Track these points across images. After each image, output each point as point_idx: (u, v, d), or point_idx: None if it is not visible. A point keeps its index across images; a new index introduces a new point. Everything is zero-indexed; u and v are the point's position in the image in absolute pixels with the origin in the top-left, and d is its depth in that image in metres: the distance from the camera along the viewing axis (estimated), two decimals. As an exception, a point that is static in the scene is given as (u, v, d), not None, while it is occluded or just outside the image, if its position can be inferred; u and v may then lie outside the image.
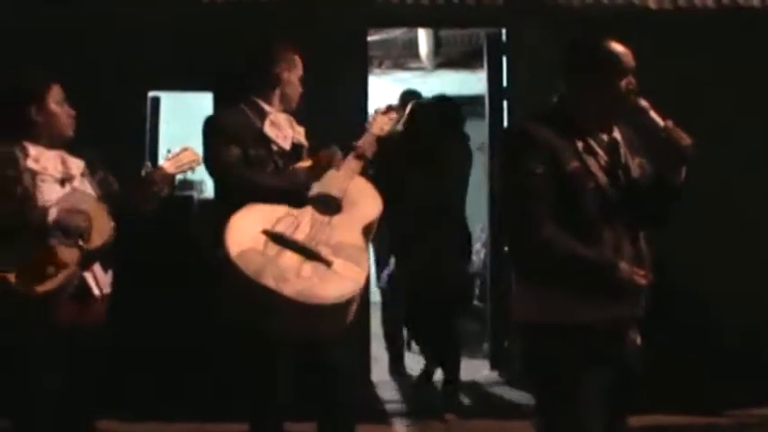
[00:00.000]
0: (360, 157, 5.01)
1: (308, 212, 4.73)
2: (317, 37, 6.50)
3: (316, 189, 4.86)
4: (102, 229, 4.62)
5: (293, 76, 5.22)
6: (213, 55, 6.72)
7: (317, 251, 4.54)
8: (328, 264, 4.52)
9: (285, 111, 5.19)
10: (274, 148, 5.06)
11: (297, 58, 5.24)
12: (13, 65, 5.87)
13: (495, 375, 7.88)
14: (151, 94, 7.26)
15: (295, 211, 4.72)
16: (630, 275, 3.59)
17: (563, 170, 3.62)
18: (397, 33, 10.53)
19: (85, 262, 4.58)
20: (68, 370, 4.65)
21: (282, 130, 5.12)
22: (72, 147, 4.83)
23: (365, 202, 4.88)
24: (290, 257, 4.50)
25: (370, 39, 7.92)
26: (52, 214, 4.53)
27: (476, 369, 7.99)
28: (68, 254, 4.52)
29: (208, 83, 6.91)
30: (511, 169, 3.69)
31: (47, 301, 4.48)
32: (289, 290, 4.35)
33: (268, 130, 5.06)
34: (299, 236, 4.60)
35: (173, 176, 4.95)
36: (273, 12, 6.80)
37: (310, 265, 4.49)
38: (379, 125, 5.24)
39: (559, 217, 3.59)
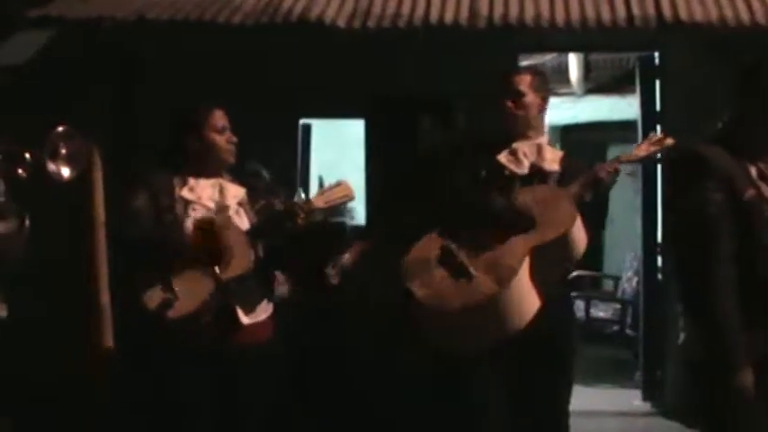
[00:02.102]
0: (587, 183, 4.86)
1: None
2: (469, 65, 6.49)
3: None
4: (241, 260, 4.63)
5: None
6: (365, 82, 6.74)
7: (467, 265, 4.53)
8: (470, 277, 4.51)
9: None
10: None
11: None
12: (171, 94, 6.01)
13: (647, 406, 7.72)
14: (303, 121, 7.33)
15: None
16: None
17: (739, 198, 3.47)
18: (547, 59, 10.44)
19: (223, 291, 4.60)
20: (223, 395, 4.70)
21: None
22: (236, 174, 4.89)
23: (549, 225, 4.75)
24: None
25: (520, 65, 7.88)
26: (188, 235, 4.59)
27: (627, 399, 7.85)
28: (204, 282, 4.56)
29: (359, 110, 6.94)
30: (684, 196, 3.53)
31: (183, 326, 4.54)
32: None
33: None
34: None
35: (321, 210, 4.93)
36: (421, 40, 6.81)
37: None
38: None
39: (736, 248, 3.44)
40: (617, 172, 4.70)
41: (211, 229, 4.53)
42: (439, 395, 5.78)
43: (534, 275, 4.47)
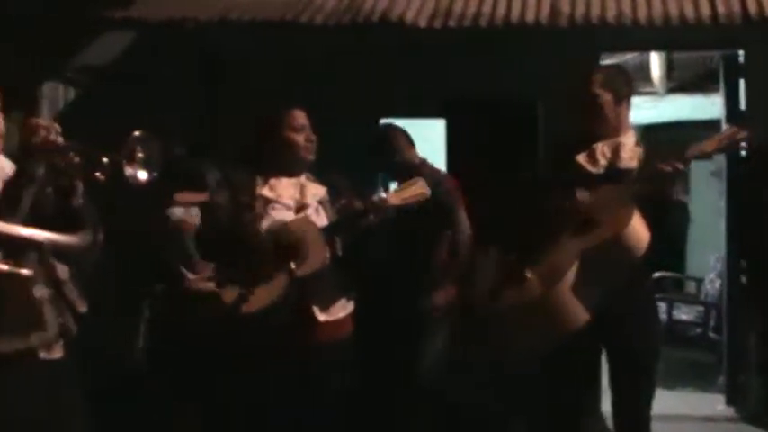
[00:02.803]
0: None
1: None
2: (550, 65, 6.45)
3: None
4: (316, 257, 4.65)
5: None
6: (445, 82, 6.73)
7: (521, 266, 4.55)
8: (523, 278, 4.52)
9: None
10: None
11: None
12: (250, 94, 6.05)
13: (730, 411, 7.62)
14: (382, 121, 7.32)
15: None
16: None
17: None
18: (629, 57, 10.35)
19: (297, 287, 4.62)
20: (298, 393, 4.71)
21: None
22: (317, 173, 4.91)
23: (604, 226, 4.72)
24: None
25: (602, 63, 7.81)
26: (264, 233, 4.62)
27: (710, 403, 7.75)
28: (280, 278, 4.59)
29: (439, 109, 6.93)
30: None
31: (258, 321, 4.56)
32: None
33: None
34: None
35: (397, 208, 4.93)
36: (503, 39, 6.78)
37: None
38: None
39: None
40: (682, 167, 4.62)
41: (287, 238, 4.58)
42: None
43: (589, 276, 4.45)
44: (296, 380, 4.68)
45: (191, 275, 5.48)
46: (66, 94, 7.04)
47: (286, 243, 4.55)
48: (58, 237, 3.55)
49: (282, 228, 4.61)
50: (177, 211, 5.43)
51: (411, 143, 6.23)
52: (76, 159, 3.60)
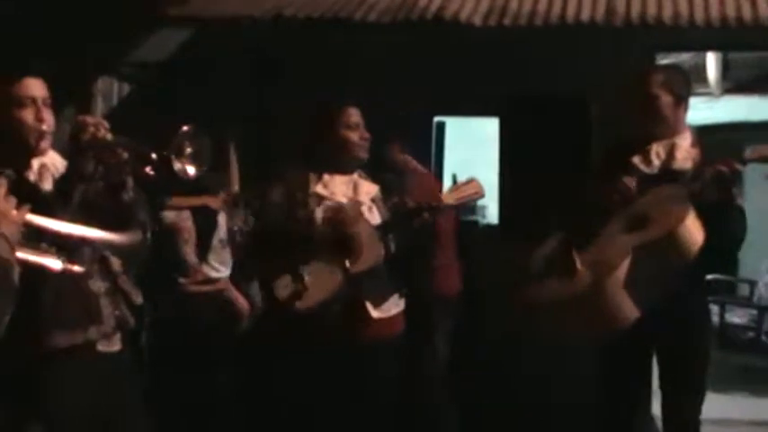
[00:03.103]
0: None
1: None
2: (605, 64, 6.41)
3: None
4: (371, 254, 4.67)
5: None
6: (500, 80, 6.71)
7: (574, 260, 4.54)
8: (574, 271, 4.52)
9: None
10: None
11: None
12: (302, 91, 6.06)
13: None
14: (437, 118, 7.32)
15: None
16: None
17: None
18: (685, 57, 10.28)
19: (351, 284, 4.64)
20: (351, 388, 4.73)
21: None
22: (368, 171, 4.92)
23: (656, 224, 4.69)
24: None
25: (657, 63, 7.76)
26: (317, 217, 4.64)
27: (762, 408, 7.66)
28: (334, 275, 4.61)
29: (493, 108, 6.91)
30: None
31: (312, 318, 4.58)
32: None
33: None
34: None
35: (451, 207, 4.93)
36: (558, 38, 6.75)
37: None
38: None
39: None
40: (739, 169, 4.57)
41: (339, 218, 4.58)
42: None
43: (641, 273, 4.43)
44: (348, 376, 4.71)
45: (183, 279, 5.50)
46: (120, 89, 7.09)
47: (341, 239, 4.57)
48: (108, 235, 3.57)
49: (337, 209, 4.63)
50: (169, 215, 5.45)
51: (395, 140, 6.23)
52: (125, 155, 3.63)
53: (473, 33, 6.12)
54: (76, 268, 3.41)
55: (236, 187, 5.81)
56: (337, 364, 4.66)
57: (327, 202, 4.72)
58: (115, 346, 3.85)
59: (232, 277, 5.71)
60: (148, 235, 3.72)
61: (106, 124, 3.63)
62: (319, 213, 4.66)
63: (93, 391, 3.73)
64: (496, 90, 6.77)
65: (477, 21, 5.93)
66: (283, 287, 4.59)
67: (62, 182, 3.66)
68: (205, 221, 5.54)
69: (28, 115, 3.67)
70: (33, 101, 3.71)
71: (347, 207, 4.65)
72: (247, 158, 5.97)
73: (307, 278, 4.57)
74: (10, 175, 3.56)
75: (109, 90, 7.04)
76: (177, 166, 3.50)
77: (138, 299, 3.86)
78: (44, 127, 3.71)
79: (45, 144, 3.74)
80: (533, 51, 6.62)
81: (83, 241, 3.46)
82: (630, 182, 4.54)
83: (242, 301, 5.79)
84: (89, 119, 3.67)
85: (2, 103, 3.72)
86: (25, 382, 3.57)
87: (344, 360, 4.67)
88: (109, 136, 3.61)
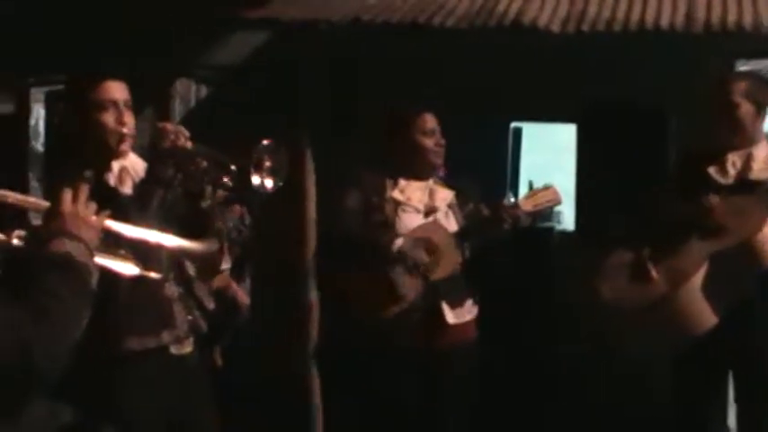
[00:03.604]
0: None
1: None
2: (685, 71, 6.33)
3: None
4: (450, 262, 4.67)
5: None
6: (577, 87, 6.66)
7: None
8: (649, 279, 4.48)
9: None
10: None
11: None
12: (379, 97, 6.06)
13: None
14: (513, 124, 7.29)
15: None
16: None
17: None
18: (765, 64, 10.12)
19: (431, 291, 4.64)
20: (427, 395, 4.74)
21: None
22: (446, 178, 4.92)
23: (733, 233, 4.63)
24: None
25: (737, 71, 7.64)
26: (397, 244, 4.64)
27: None
28: (411, 283, 4.62)
29: (570, 114, 6.86)
30: None
31: (393, 325, 4.59)
32: None
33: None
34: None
35: (530, 214, 4.91)
36: (637, 44, 6.67)
37: None
38: None
39: None
40: None
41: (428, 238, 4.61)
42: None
43: (717, 282, 4.38)
44: (424, 382, 4.72)
45: None
46: (198, 91, 7.14)
47: (417, 250, 4.59)
48: (185, 243, 3.60)
49: (417, 232, 4.65)
50: None
51: None
52: (204, 164, 3.65)
53: (551, 39, 6.07)
54: (153, 275, 3.45)
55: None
56: (414, 370, 4.68)
57: (406, 213, 4.74)
58: (187, 348, 3.88)
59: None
60: (225, 244, 3.75)
61: (186, 133, 3.66)
62: (399, 241, 4.69)
63: (166, 393, 3.77)
64: (573, 96, 6.72)
65: (556, 27, 5.87)
66: (363, 295, 4.61)
67: (141, 187, 3.69)
68: None
69: (109, 118, 3.72)
70: (114, 104, 3.75)
71: (434, 239, 4.67)
72: (323, 163, 5.99)
73: (388, 286, 4.60)
74: (89, 177, 3.60)
75: (187, 92, 7.09)
76: (256, 179, 3.52)
77: (211, 305, 3.89)
78: (124, 130, 3.76)
79: (125, 147, 3.79)
80: (611, 58, 6.55)
81: (160, 248, 3.48)
82: (713, 199, 4.49)
83: (242, 295, 5.85)
84: (169, 126, 3.71)
85: (84, 106, 3.77)
86: (99, 385, 3.60)
87: (421, 366, 4.68)
88: (189, 144, 3.64)
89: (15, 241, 3.01)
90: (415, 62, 6.64)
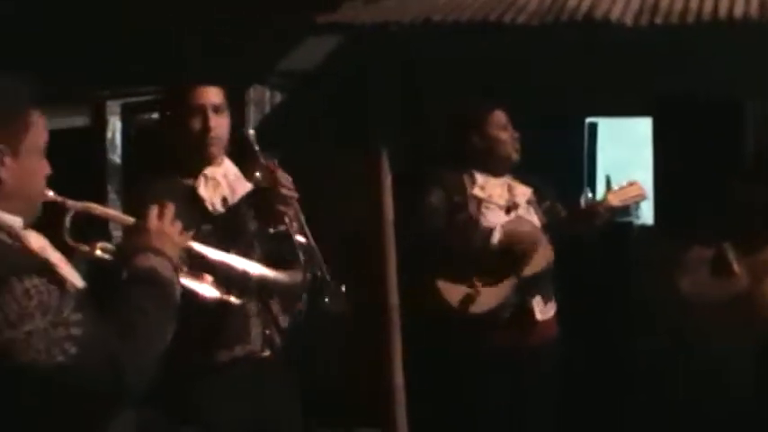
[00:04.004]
0: None
1: None
2: (759, 62, 6.25)
3: None
4: (541, 257, 4.68)
5: None
6: (652, 80, 6.60)
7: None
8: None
9: None
10: None
11: None
12: (450, 96, 6.05)
13: None
14: (589, 120, 7.24)
15: None
16: None
17: None
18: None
19: (523, 287, 4.64)
20: (514, 392, 4.73)
21: None
22: (519, 174, 4.91)
23: None
24: None
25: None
26: (495, 237, 4.63)
27: None
28: (506, 278, 4.62)
29: (645, 108, 6.81)
30: None
31: (483, 322, 4.59)
32: None
33: None
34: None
35: (616, 209, 4.90)
36: (711, 35, 6.58)
37: None
38: None
39: None
40: None
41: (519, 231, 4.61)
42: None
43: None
44: (513, 379, 4.72)
45: None
46: (272, 98, 7.17)
47: (518, 248, 4.59)
48: (269, 272, 3.61)
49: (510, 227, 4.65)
50: None
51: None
52: (296, 203, 3.67)
53: (624, 32, 6.02)
54: (233, 300, 3.47)
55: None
56: (503, 368, 4.68)
57: (489, 210, 4.74)
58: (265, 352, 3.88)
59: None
60: (308, 276, 3.74)
61: (292, 185, 3.66)
62: (497, 234, 4.68)
63: (246, 401, 3.78)
64: (647, 90, 6.67)
65: (629, 20, 5.82)
66: (454, 292, 4.62)
67: (231, 211, 3.71)
68: None
69: (196, 123, 3.74)
70: (201, 108, 3.77)
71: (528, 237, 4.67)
72: (398, 162, 5.99)
73: (479, 283, 4.60)
74: (176, 183, 3.64)
75: (261, 99, 7.14)
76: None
77: (285, 324, 3.89)
78: (212, 134, 3.78)
79: (215, 150, 3.81)
80: (687, 50, 6.48)
81: (244, 274, 3.50)
82: None
83: None
84: (283, 179, 3.69)
85: (172, 113, 3.80)
86: (181, 396, 3.63)
87: (510, 363, 4.68)
88: (293, 194, 3.64)
89: (98, 252, 3.06)
90: (487, 61, 6.62)
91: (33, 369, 2.31)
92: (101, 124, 7.76)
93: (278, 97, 7.14)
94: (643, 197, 4.89)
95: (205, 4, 6.68)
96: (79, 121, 7.41)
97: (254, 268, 3.56)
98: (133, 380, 2.46)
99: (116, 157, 7.85)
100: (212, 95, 3.83)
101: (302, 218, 3.74)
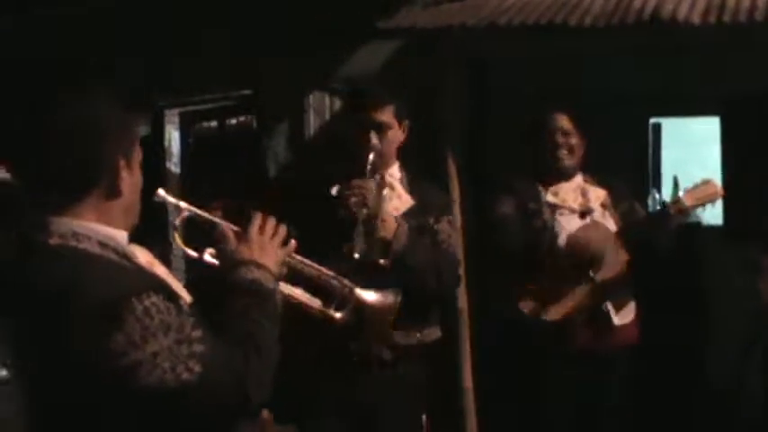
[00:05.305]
0: None
1: None
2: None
3: None
4: (614, 261, 4.63)
5: None
6: (716, 79, 6.54)
7: None
8: None
9: None
10: None
11: None
12: (515, 99, 6.02)
13: None
14: (652, 120, 7.18)
15: None
16: None
17: None
18: None
19: (597, 293, 4.60)
20: (590, 396, 4.70)
21: None
22: (593, 176, 4.87)
23: None
24: None
25: None
26: (562, 242, 4.60)
27: None
28: (579, 283, 4.58)
29: (711, 107, 6.75)
30: None
31: (559, 328, 4.56)
32: None
33: None
34: None
35: (691, 210, 4.85)
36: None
37: None
38: None
39: None
40: None
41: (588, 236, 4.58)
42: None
43: None
44: (589, 384, 4.68)
45: None
46: (332, 104, 7.16)
47: (585, 254, 4.55)
48: (364, 294, 3.63)
49: (580, 233, 4.60)
50: None
51: None
52: None
53: (688, 31, 5.97)
54: (338, 315, 3.48)
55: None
56: (579, 373, 4.64)
57: (564, 217, 4.70)
58: None
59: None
60: (399, 299, 3.78)
61: None
62: (558, 227, 4.65)
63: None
64: (713, 89, 6.60)
65: (696, 19, 5.76)
66: (528, 300, 4.59)
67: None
68: None
69: (359, 136, 3.82)
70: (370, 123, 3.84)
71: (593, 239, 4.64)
72: (464, 169, 5.96)
73: (551, 290, 4.57)
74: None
75: (321, 105, 7.12)
76: None
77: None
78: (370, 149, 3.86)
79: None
80: (752, 48, 6.41)
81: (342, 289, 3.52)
82: None
83: None
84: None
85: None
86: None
87: (587, 369, 4.65)
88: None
89: (207, 257, 3.06)
90: (552, 62, 6.58)
91: (160, 390, 2.29)
92: (159, 133, 7.80)
93: (337, 103, 7.12)
94: (719, 196, 4.82)
95: (267, 14, 6.68)
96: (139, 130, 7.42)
97: (351, 288, 3.59)
98: (256, 394, 2.45)
99: (172, 165, 7.88)
100: (377, 114, 4.22)
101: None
